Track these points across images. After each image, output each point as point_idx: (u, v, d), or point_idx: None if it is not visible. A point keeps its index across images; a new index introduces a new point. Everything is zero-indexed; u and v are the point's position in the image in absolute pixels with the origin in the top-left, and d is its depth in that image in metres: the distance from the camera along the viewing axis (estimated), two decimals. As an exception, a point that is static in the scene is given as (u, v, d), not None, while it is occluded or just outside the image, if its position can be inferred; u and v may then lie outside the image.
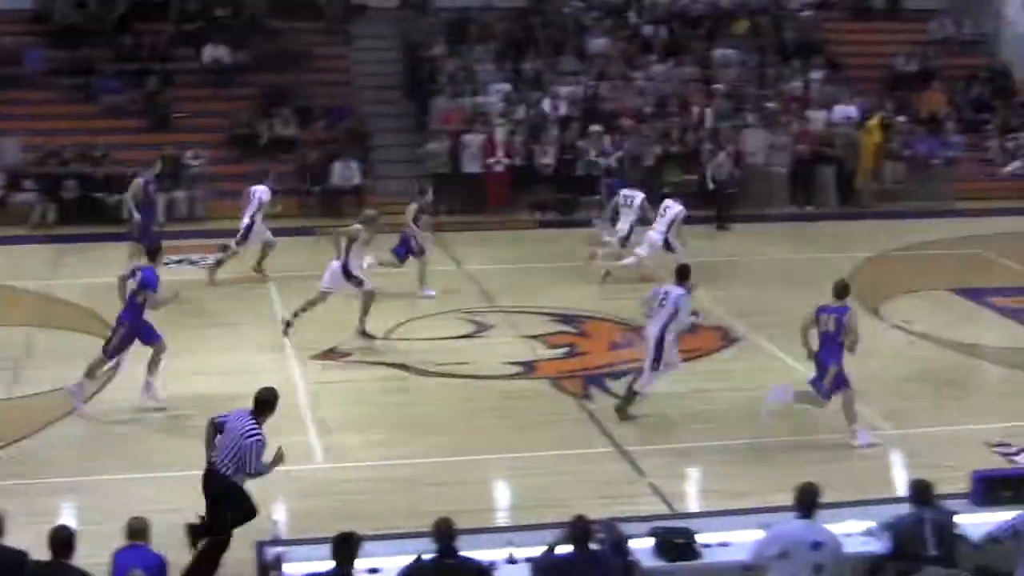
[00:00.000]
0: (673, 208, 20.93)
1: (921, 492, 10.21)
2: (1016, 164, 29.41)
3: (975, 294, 20.98)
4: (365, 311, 17.81)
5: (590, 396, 16.09)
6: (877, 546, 10.26)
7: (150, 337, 15.26)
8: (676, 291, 14.91)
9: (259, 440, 10.95)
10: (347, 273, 17.55)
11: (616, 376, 16.63)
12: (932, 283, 21.95)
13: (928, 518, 10.05)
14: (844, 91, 29.31)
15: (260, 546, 10.39)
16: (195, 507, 11.20)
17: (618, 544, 10.02)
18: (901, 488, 12.66)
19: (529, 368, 17.12)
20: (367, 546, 9.37)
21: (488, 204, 26.41)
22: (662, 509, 12.66)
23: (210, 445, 11.21)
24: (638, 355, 15.85)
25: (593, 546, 9.56)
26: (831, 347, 14.35)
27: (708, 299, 20.23)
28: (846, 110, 28.39)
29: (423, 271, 20.39)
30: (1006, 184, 29.30)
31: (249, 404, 11.21)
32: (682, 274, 15.19)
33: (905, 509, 10.23)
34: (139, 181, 21.35)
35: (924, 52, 31.77)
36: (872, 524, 10.63)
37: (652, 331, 14.99)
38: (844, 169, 27.81)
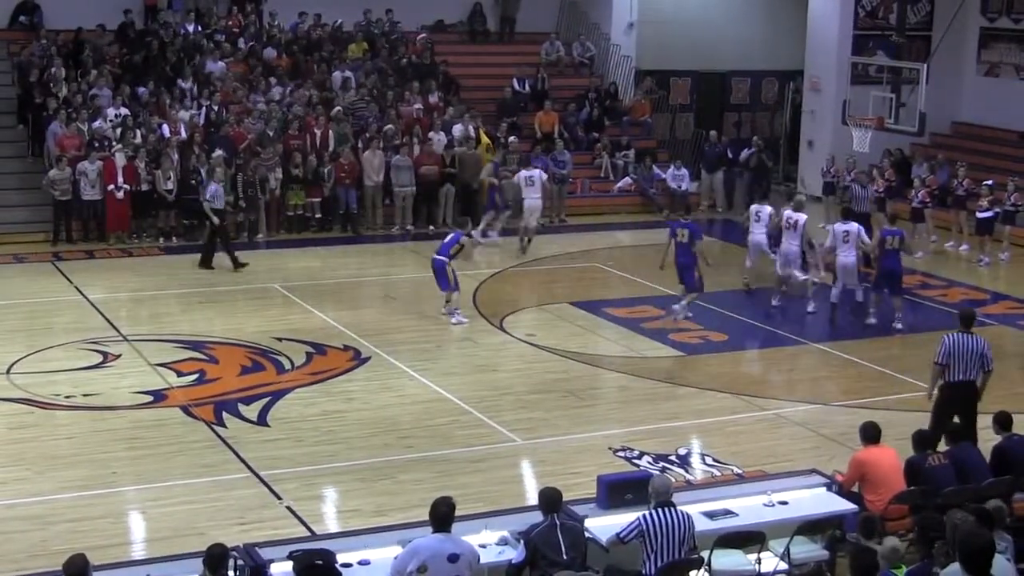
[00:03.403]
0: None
1: (550, 500, 10.58)
2: (625, 181, 30.76)
3: (592, 306, 21.85)
4: None
5: (222, 422, 15.93)
6: (512, 554, 10.54)
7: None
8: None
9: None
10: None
11: (248, 401, 16.58)
12: (552, 297, 22.76)
13: (559, 524, 10.43)
14: (462, 112, 29.93)
15: None
16: None
17: (257, 570, 10.03)
18: (532, 497, 13.08)
19: (159, 397, 16.80)
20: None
21: (109, 231, 25.71)
22: (301, 532, 12.68)
23: None
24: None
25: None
26: (684, 253, 20.38)
27: (333, 319, 20.46)
28: (464, 131, 29.00)
29: None
30: (616, 200, 30.63)
31: None
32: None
33: (537, 517, 10.57)
34: None
35: (537, 74, 32.82)
36: (506, 533, 10.98)
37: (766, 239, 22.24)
38: (467, 189, 28.31)
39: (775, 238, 22.09)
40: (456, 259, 20.77)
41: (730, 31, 35.14)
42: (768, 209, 22.67)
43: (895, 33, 31.59)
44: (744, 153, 31.11)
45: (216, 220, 23.77)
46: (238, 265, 23.60)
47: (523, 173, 26.11)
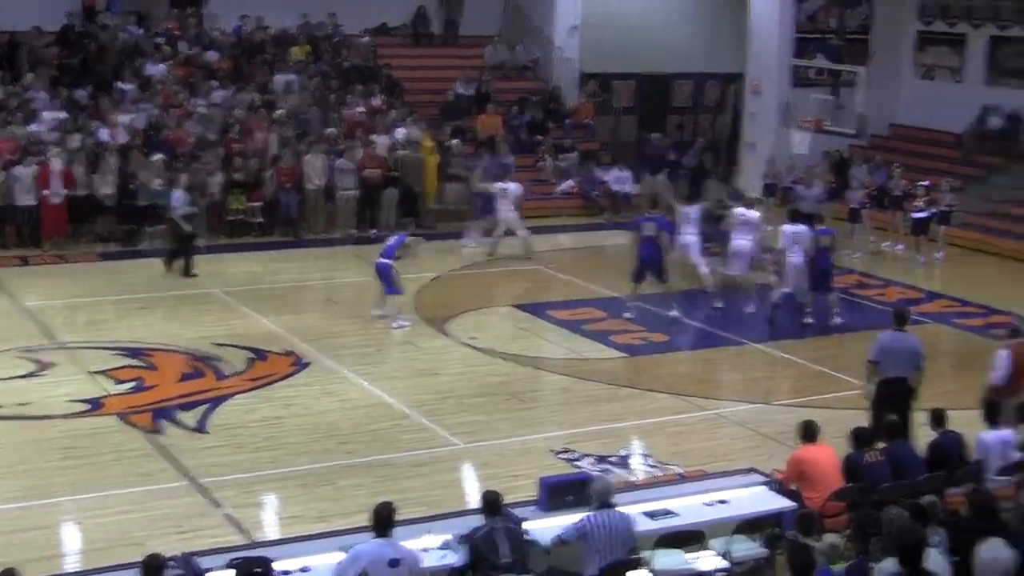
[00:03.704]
0: None
1: (491, 503, 10.58)
2: (568, 183, 30.78)
3: (536, 308, 21.84)
4: None
5: (160, 430, 15.76)
6: (454, 558, 10.52)
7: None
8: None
9: None
10: None
11: (187, 408, 16.43)
12: (496, 300, 22.75)
13: (500, 527, 10.43)
14: (405, 115, 29.84)
15: None
16: None
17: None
18: (474, 500, 13.03)
19: (96, 405, 16.59)
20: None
21: (45, 237, 25.41)
22: (241, 539, 12.58)
23: None
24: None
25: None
26: (652, 246, 20.90)
27: (275, 324, 20.33)
28: (407, 134, 28.90)
29: None
30: (559, 202, 30.64)
31: None
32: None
33: (478, 521, 10.56)
34: None
35: (480, 77, 32.77)
36: (448, 537, 10.93)
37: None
38: (409, 191, 28.21)
39: (709, 235, 22.37)
40: (401, 261, 20.70)
41: (673, 34, 35.17)
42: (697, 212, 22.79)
43: (835, 36, 31.83)
44: (688, 155, 31.26)
45: (188, 228, 23.54)
46: (190, 273, 23.35)
47: (499, 185, 26.07)
